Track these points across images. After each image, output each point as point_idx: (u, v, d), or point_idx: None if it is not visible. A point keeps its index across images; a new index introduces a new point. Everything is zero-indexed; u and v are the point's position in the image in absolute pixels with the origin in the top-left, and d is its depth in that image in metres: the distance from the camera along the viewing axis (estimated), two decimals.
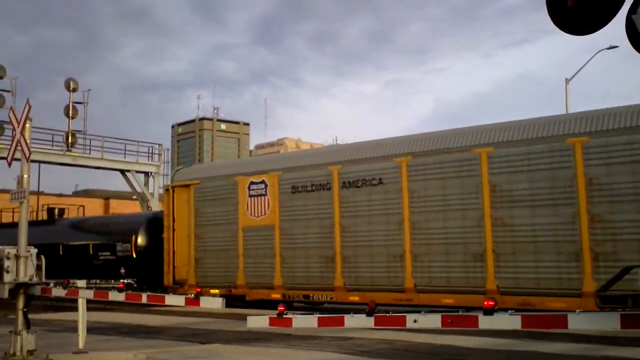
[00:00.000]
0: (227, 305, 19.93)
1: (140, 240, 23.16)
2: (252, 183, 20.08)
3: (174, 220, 21.92)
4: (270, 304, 18.99)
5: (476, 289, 15.41)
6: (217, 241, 20.74)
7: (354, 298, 17.63)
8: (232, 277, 20.24)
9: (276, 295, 19.27)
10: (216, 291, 20.78)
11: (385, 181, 17.26)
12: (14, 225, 30.09)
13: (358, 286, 17.56)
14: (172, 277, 21.69)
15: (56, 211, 27.68)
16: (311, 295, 18.53)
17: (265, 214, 19.67)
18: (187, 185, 21.71)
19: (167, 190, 22.45)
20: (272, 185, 19.57)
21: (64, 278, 26.97)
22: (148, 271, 23.10)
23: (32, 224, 29.18)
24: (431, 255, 16.28)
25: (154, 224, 23.46)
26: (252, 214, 19.94)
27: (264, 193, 19.75)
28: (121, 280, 23.50)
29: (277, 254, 19.25)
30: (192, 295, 9.05)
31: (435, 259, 16.19)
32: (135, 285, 23.83)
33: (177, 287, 21.62)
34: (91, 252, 24.03)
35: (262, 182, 19.85)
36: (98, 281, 25.99)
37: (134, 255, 22.98)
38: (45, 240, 26.06)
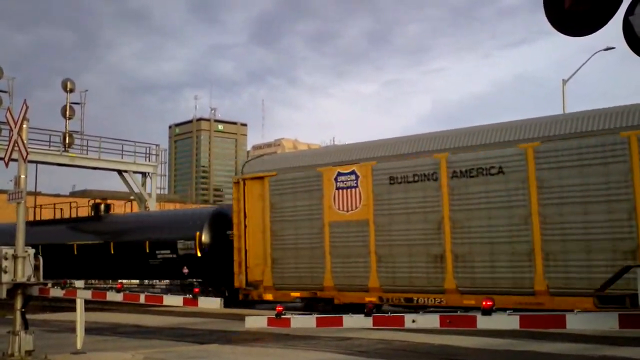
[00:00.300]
0: (312, 310, 17.97)
1: (205, 237, 21.08)
2: (339, 174, 18.09)
3: (245, 216, 19.90)
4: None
5: None
6: (298, 238, 18.74)
7: (469, 302, 15.63)
8: (317, 279, 18.24)
9: (371, 299, 17.27)
10: (297, 294, 18.88)
11: (507, 170, 15.32)
12: (57, 221, 28.09)
13: (474, 288, 15.60)
14: (245, 278, 19.68)
15: (102, 207, 25.54)
16: (415, 298, 16.56)
17: (356, 207, 17.69)
18: (261, 177, 19.69)
19: (236, 183, 20.39)
20: (365, 176, 17.60)
21: (116, 279, 25.00)
22: (213, 271, 21.09)
23: (75, 220, 27.31)
24: (568, 253, 14.34)
25: (218, 220, 21.48)
26: (341, 208, 17.96)
27: (355, 185, 17.77)
28: (186, 281, 21.53)
29: (372, 252, 17.27)
30: (190, 296, 8.93)
31: (574, 257, 14.24)
32: (198, 285, 21.76)
33: (250, 289, 19.64)
34: (147, 251, 21.92)
35: (352, 172, 17.87)
36: (156, 282, 23.86)
37: (199, 254, 20.90)
38: (93, 239, 24.12)
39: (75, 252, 23.88)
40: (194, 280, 21.51)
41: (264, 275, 19.30)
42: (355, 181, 17.78)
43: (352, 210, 17.77)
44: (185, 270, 21.10)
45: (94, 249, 23.51)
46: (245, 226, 19.87)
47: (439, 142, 16.72)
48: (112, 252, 22.84)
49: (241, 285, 19.76)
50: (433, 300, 16.27)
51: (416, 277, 16.53)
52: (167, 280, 23.08)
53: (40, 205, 29.94)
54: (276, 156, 20.64)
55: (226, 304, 20.49)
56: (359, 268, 17.52)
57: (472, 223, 15.77)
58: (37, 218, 28.62)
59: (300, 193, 18.81)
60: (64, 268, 24.89)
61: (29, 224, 27.78)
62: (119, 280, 25.89)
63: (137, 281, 26.15)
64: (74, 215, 27.42)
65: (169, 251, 21.50)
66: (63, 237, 24.87)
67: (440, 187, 16.26)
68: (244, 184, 20.05)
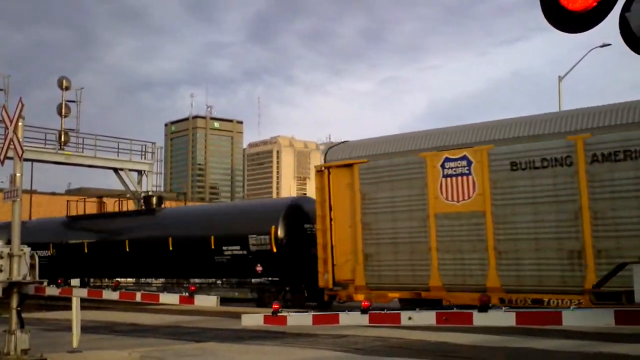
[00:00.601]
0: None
1: (281, 231, 18.96)
2: (447, 160, 16.06)
3: (330, 208, 17.84)
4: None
5: None
6: (396, 232, 16.69)
7: None
8: (421, 278, 16.20)
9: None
10: (396, 294, 16.86)
11: None
12: (104, 215, 25.90)
13: (625, 288, 13.55)
14: (332, 277, 17.62)
15: (154, 200, 23.33)
16: (546, 299, 14.53)
17: (469, 197, 15.66)
18: (349, 165, 17.62)
19: (319, 172, 18.31)
20: (480, 162, 15.56)
21: (176, 277, 22.79)
22: (291, 269, 19.00)
23: (125, 214, 25.08)
24: None
25: (295, 212, 19.43)
26: (449, 198, 15.92)
27: (467, 172, 15.73)
28: (257, 280, 19.38)
29: (490, 247, 15.25)
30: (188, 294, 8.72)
31: None
32: (269, 284, 19.69)
33: (338, 289, 17.59)
34: (213, 247, 19.77)
35: (464, 157, 15.84)
36: (220, 282, 21.68)
37: (274, 250, 18.78)
38: (150, 233, 21.97)
39: (127, 249, 21.74)
40: (269, 278, 19.41)
41: (355, 274, 17.24)
42: (467, 167, 15.76)
43: (463, 200, 15.74)
44: (259, 268, 18.98)
45: (148, 245, 21.35)
46: (331, 219, 17.83)
47: (572, 122, 14.69)
48: (171, 248, 20.69)
49: (327, 285, 17.72)
50: (569, 302, 14.18)
51: (547, 275, 14.53)
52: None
53: (82, 199, 27.73)
54: (367, 141, 18.52)
55: (307, 305, 18.57)
56: (474, 265, 15.51)
57: (618, 214, 13.77)
58: (82, 212, 26.35)
59: (398, 181, 16.77)
60: (114, 266, 22.81)
61: (75, 219, 25.79)
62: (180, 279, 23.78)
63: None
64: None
65: (238, 247, 19.36)
66: (112, 232, 22.76)
67: (577, 172, 14.24)
68: (329, 173, 17.99)
